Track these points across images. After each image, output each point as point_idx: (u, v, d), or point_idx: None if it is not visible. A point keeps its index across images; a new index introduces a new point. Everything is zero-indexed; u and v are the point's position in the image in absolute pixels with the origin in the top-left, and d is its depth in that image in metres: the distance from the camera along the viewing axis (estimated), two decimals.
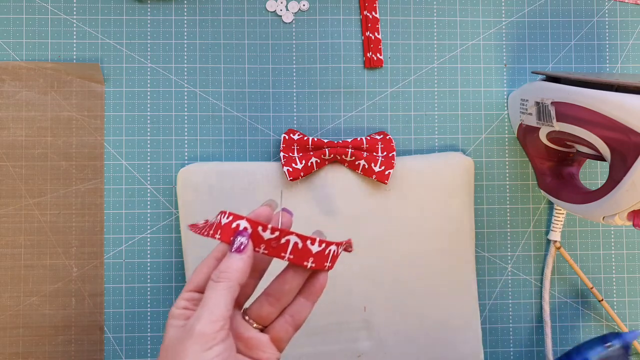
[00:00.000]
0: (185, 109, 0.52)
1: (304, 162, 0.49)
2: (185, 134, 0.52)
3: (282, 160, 0.49)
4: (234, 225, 0.33)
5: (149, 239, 0.51)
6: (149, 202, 0.51)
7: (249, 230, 0.33)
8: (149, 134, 0.51)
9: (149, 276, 0.51)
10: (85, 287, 0.50)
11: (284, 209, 0.36)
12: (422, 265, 0.50)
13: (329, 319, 0.49)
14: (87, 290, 0.50)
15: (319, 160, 0.49)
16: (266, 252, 0.33)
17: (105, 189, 0.51)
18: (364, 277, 0.50)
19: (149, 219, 0.51)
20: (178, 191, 0.49)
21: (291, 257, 0.33)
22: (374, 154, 0.49)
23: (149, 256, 0.51)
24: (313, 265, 0.33)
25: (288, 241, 0.33)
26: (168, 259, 0.51)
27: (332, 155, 0.49)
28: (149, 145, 0.51)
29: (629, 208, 0.40)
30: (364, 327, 0.49)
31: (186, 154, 0.51)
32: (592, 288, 0.52)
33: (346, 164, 0.50)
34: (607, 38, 0.54)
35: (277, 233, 0.32)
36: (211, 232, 0.34)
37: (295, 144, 0.50)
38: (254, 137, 0.52)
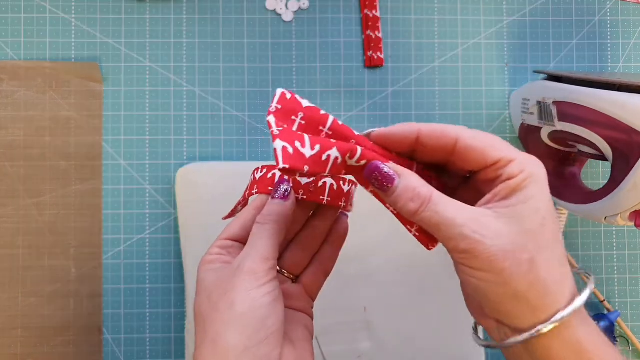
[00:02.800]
0: (185, 109, 0.51)
1: (317, 147, 0.28)
2: (185, 133, 0.51)
3: (273, 126, 0.29)
4: (270, 175, 0.33)
5: (147, 240, 0.51)
6: (147, 203, 0.51)
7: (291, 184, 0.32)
8: (147, 133, 0.51)
9: (147, 277, 0.51)
10: (83, 288, 0.50)
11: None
12: (423, 266, 0.49)
13: (329, 319, 0.49)
14: (85, 291, 0.50)
15: (340, 159, 0.29)
16: (305, 197, 0.33)
17: (103, 189, 0.51)
18: (364, 277, 0.49)
19: (147, 220, 0.51)
20: (177, 191, 0.49)
21: (329, 199, 0.33)
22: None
23: (147, 257, 0.51)
24: (345, 204, 0.34)
25: (325, 184, 0.33)
26: (167, 259, 0.51)
27: (363, 161, 0.30)
28: (147, 145, 0.51)
29: (631, 208, 0.40)
30: (364, 328, 0.49)
31: (185, 153, 0.51)
32: (593, 288, 0.52)
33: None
34: (609, 37, 0.53)
35: (313, 177, 0.32)
36: (247, 192, 0.34)
37: (302, 113, 0.30)
38: (253, 137, 0.52)
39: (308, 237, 0.35)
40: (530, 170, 0.28)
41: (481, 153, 0.29)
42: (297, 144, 0.28)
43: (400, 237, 0.50)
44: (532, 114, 0.48)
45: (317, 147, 0.28)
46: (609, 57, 0.53)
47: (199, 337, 0.30)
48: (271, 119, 0.29)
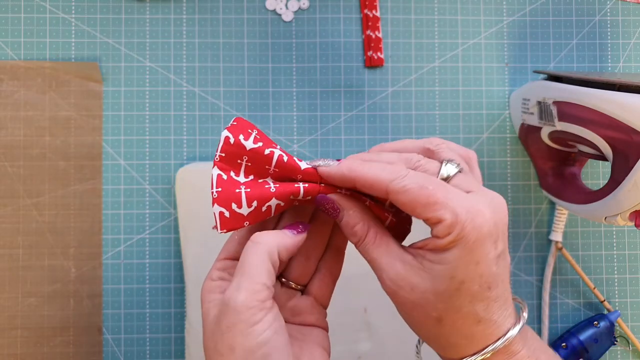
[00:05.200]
0: (184, 109, 0.51)
1: (254, 204, 0.30)
2: (184, 133, 0.51)
3: (214, 186, 0.30)
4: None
5: (147, 240, 0.51)
6: (147, 203, 0.51)
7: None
8: (147, 133, 0.51)
9: (147, 277, 0.51)
10: (83, 288, 0.50)
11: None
12: None
13: (329, 320, 0.49)
14: (85, 291, 0.50)
15: (282, 203, 0.30)
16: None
17: (103, 189, 0.51)
18: (364, 278, 0.49)
19: (147, 220, 0.51)
20: (177, 191, 0.49)
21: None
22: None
23: (147, 257, 0.51)
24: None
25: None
26: (167, 259, 0.51)
27: (309, 197, 0.31)
28: (147, 145, 0.51)
29: (631, 208, 0.40)
30: (364, 329, 0.49)
31: (185, 153, 0.51)
32: (594, 289, 0.52)
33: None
34: (609, 37, 0.53)
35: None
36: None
37: (246, 157, 0.30)
38: None
39: (310, 243, 0.33)
40: (459, 233, 0.27)
41: (411, 209, 0.28)
42: (234, 205, 0.29)
43: None
44: (532, 114, 0.48)
45: (255, 204, 0.29)
46: (609, 57, 0.53)
47: None
48: (215, 171, 0.30)
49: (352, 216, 0.30)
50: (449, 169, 0.29)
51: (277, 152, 0.30)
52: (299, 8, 0.52)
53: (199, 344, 0.48)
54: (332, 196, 0.31)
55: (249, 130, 0.31)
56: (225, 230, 0.29)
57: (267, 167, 0.31)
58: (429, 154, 0.32)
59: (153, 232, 0.51)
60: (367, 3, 0.52)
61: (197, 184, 0.49)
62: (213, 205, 0.29)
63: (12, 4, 0.51)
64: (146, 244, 0.51)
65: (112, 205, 0.51)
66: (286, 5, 0.52)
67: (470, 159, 0.33)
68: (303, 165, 0.31)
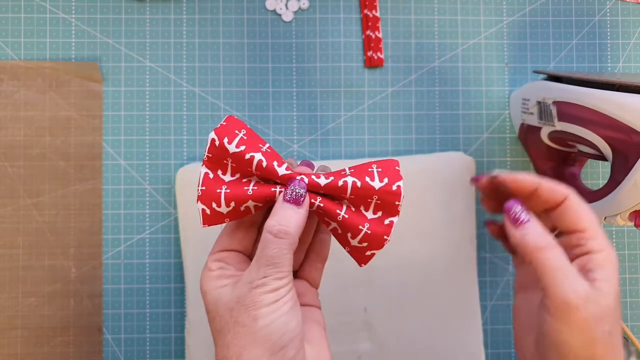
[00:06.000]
0: (184, 109, 0.51)
1: (232, 204, 0.32)
2: (184, 133, 0.51)
3: (199, 184, 0.32)
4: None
5: (147, 240, 0.51)
6: (147, 203, 0.51)
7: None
8: (147, 133, 0.51)
9: (147, 277, 0.51)
10: (83, 288, 0.50)
11: (304, 162, 0.36)
12: (423, 266, 0.49)
13: (329, 320, 0.49)
14: (85, 291, 0.50)
15: (260, 204, 0.32)
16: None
17: (103, 189, 0.51)
18: (364, 278, 0.49)
19: (147, 220, 0.51)
20: (177, 191, 0.49)
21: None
22: (364, 209, 0.32)
23: (147, 257, 0.51)
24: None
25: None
26: (167, 259, 0.51)
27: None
28: (147, 145, 0.51)
29: (631, 208, 0.40)
30: (364, 329, 0.49)
31: (185, 153, 0.51)
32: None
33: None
34: (608, 37, 0.53)
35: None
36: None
37: (230, 159, 0.32)
38: None
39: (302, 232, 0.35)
40: (610, 253, 0.33)
41: (577, 217, 0.34)
42: (214, 204, 0.32)
43: (401, 238, 0.50)
44: (532, 114, 0.48)
45: (232, 204, 0.32)
46: (609, 57, 0.53)
47: (220, 351, 0.31)
48: (202, 170, 0.33)
49: (537, 230, 0.35)
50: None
51: (257, 157, 0.31)
52: (299, 8, 0.52)
53: (199, 344, 0.48)
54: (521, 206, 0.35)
55: (236, 132, 0.32)
56: (207, 225, 0.32)
57: (249, 169, 0.32)
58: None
59: (153, 232, 0.51)
60: (367, 3, 0.52)
61: (197, 183, 0.49)
62: (197, 202, 0.32)
63: (12, 4, 0.51)
64: (146, 244, 0.51)
65: (112, 205, 0.51)
66: (286, 6, 0.52)
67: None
68: (282, 170, 0.31)
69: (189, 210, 0.49)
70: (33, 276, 0.50)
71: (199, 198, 0.32)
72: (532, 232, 0.34)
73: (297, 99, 0.52)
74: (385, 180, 0.31)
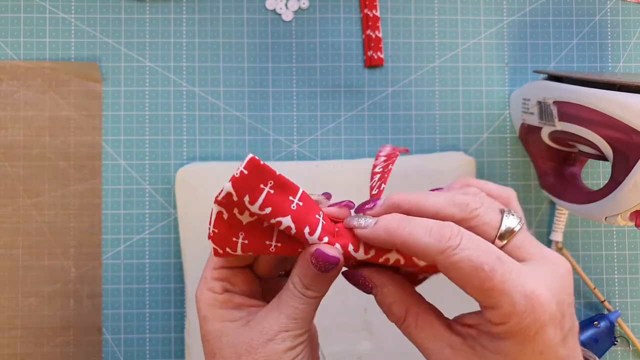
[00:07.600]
0: (184, 109, 0.51)
1: (250, 253, 0.28)
2: (184, 133, 0.51)
3: (211, 222, 0.27)
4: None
5: (147, 240, 0.51)
6: (147, 203, 0.51)
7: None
8: (147, 133, 0.51)
9: (147, 277, 0.51)
10: (83, 288, 0.50)
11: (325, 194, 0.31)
12: None
13: (329, 320, 0.49)
14: (85, 291, 0.50)
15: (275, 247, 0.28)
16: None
17: (103, 189, 0.51)
18: None
19: (147, 220, 0.51)
20: (177, 191, 0.49)
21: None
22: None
23: (147, 257, 0.51)
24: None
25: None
26: (167, 259, 0.51)
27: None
28: (147, 145, 0.51)
29: (632, 208, 0.40)
30: (364, 329, 0.49)
31: (185, 153, 0.51)
32: (594, 289, 0.52)
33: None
34: (609, 37, 0.53)
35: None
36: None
37: (247, 211, 0.26)
38: (253, 137, 0.52)
39: None
40: (516, 325, 0.24)
41: (461, 286, 0.25)
42: (228, 249, 0.27)
43: None
44: (532, 114, 0.48)
45: (250, 254, 0.28)
46: (609, 57, 0.53)
47: None
48: (215, 208, 0.26)
49: (386, 295, 0.28)
50: (511, 222, 0.26)
51: (285, 222, 0.26)
52: (299, 8, 0.52)
53: (199, 344, 0.48)
54: (364, 271, 0.28)
55: (262, 186, 0.25)
56: (218, 257, 0.29)
57: (291, 197, 0.27)
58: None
59: (153, 232, 0.51)
60: (367, 3, 0.52)
61: (197, 184, 0.49)
62: (208, 239, 0.27)
63: (12, 4, 0.51)
64: (146, 244, 0.51)
65: (112, 205, 0.51)
66: (286, 5, 0.52)
67: (510, 199, 0.29)
68: (313, 239, 0.27)
69: (189, 210, 0.49)
70: (33, 276, 0.50)
71: (211, 238, 0.27)
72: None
73: (297, 98, 0.52)
74: None
